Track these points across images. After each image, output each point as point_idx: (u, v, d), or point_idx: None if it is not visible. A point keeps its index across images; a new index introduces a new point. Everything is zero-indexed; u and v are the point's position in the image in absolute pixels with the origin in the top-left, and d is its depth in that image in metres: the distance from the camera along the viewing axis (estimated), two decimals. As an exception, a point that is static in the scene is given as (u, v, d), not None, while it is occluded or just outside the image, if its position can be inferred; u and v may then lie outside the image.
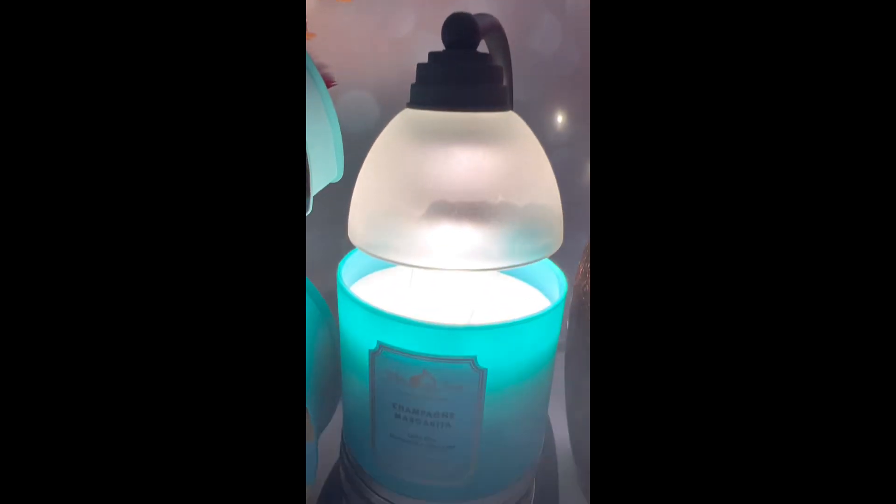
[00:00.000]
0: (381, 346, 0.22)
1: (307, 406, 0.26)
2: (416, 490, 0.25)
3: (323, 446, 0.31)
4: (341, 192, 0.27)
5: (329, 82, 0.35)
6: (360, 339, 0.23)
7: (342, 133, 0.29)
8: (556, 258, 0.26)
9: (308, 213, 0.25)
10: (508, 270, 0.30)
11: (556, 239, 0.23)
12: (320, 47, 0.37)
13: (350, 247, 0.25)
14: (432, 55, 0.22)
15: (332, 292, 0.26)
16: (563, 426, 0.43)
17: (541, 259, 0.23)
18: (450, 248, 0.21)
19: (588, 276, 0.29)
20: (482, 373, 0.22)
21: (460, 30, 0.22)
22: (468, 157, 0.22)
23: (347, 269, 0.27)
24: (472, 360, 0.21)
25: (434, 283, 0.27)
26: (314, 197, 0.26)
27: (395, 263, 0.22)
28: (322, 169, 0.27)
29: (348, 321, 0.24)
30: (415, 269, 0.23)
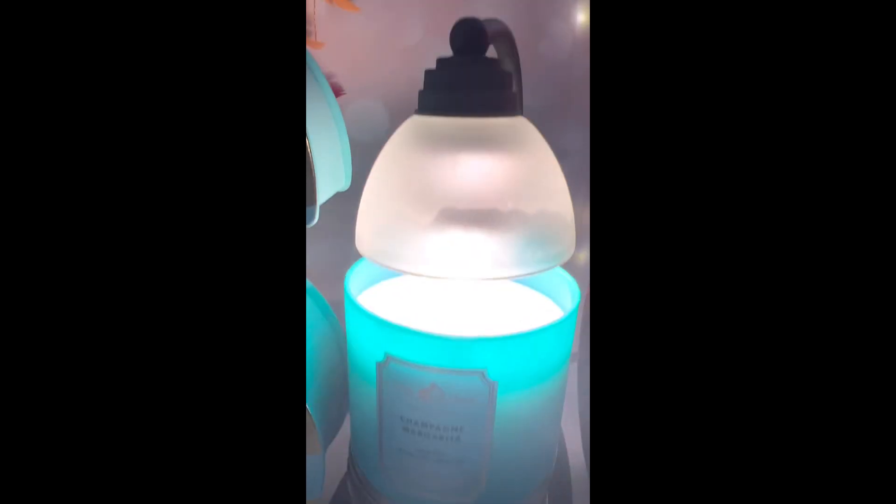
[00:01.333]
0: (388, 357, 0.22)
1: (314, 417, 0.26)
2: (425, 506, 0.24)
3: (331, 459, 0.31)
4: (349, 200, 0.27)
5: (338, 92, 0.35)
6: (367, 350, 0.23)
7: (350, 142, 0.29)
8: (568, 267, 0.25)
9: (314, 222, 0.25)
10: (519, 279, 0.30)
11: (568, 247, 0.23)
12: (329, 56, 0.37)
13: (357, 256, 0.24)
14: (440, 61, 0.22)
15: (340, 302, 0.25)
16: (576, 439, 0.42)
17: (552, 268, 0.22)
18: (459, 257, 0.21)
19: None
20: (492, 385, 0.21)
21: (468, 35, 0.21)
22: (477, 163, 0.21)
23: (355, 279, 0.26)
24: (483, 373, 0.21)
25: (443, 293, 0.27)
26: (321, 206, 0.26)
27: (402, 272, 0.22)
28: (329, 177, 0.26)
29: (355, 332, 0.24)
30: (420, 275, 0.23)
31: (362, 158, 0.27)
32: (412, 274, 0.21)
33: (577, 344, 0.35)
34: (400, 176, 0.23)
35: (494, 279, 0.21)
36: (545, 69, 0.40)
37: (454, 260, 0.21)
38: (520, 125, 0.23)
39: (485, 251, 0.21)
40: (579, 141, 0.42)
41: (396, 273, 0.29)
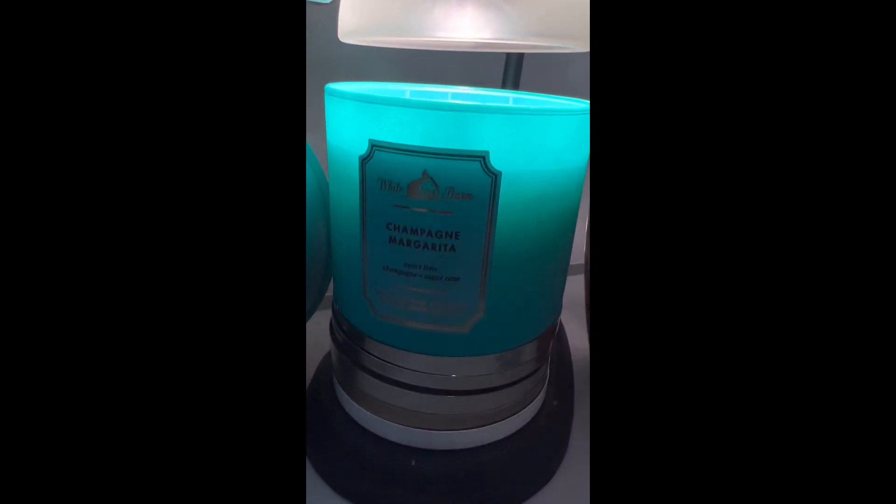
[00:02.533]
0: (373, 146, 0.18)
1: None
2: (415, 341, 0.21)
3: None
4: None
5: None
6: (349, 146, 0.19)
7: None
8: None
9: None
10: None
11: (583, 28, 0.19)
12: None
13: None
14: None
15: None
16: (581, 337, 0.39)
17: (563, 49, 0.19)
18: (457, 21, 0.17)
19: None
20: (495, 177, 0.18)
21: None
22: None
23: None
24: (484, 157, 0.18)
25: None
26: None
27: (394, 45, 0.18)
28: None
29: (336, 130, 0.20)
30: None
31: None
32: (406, 46, 0.18)
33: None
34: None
35: (490, 46, 0.18)
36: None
37: (452, 24, 0.17)
38: None
39: (486, 16, 0.18)
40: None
41: (376, 92, 0.26)
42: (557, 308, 0.25)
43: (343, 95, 0.19)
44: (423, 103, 0.17)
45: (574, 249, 0.24)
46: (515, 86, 0.34)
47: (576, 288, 0.36)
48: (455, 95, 0.27)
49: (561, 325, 0.37)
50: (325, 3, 0.26)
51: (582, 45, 0.20)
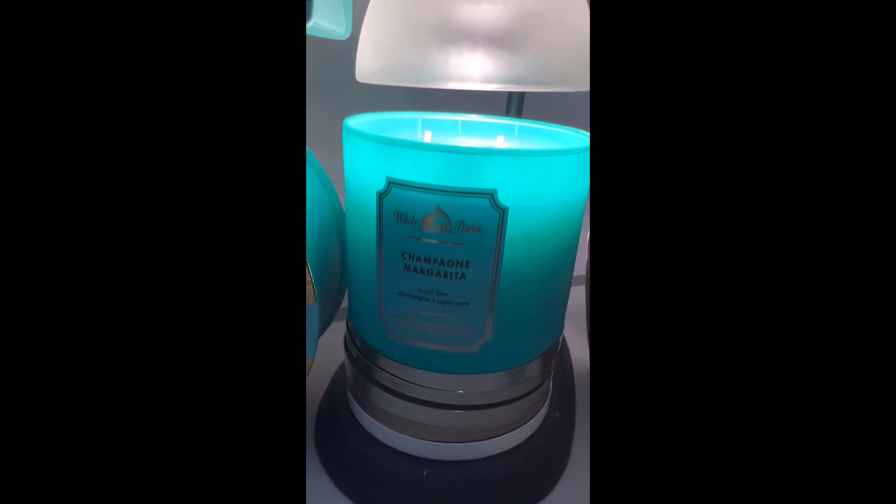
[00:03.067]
0: (389, 183, 0.20)
1: (311, 269, 0.24)
2: (427, 359, 0.23)
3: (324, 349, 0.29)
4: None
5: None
6: (367, 181, 0.21)
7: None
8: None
9: (311, 21, 0.23)
10: (532, 133, 0.28)
11: (582, 71, 0.21)
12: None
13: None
14: None
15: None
16: (582, 349, 0.41)
17: (569, 89, 0.20)
18: (468, 67, 0.19)
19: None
20: (502, 211, 0.19)
21: None
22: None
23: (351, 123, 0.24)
24: (492, 195, 0.19)
25: (450, 135, 0.25)
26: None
27: (410, 85, 0.20)
28: (328, 17, 0.24)
29: (354, 165, 0.22)
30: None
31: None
32: (419, 86, 0.19)
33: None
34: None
35: (502, 90, 0.19)
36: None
37: (462, 70, 0.19)
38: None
39: (495, 62, 0.19)
40: None
41: (394, 121, 0.28)
42: (560, 326, 0.27)
43: (361, 135, 0.21)
44: (437, 146, 0.19)
45: (576, 260, 0.26)
46: (519, 109, 0.35)
47: (577, 299, 0.37)
48: (464, 125, 0.28)
49: (563, 337, 0.39)
50: (342, 39, 0.28)
51: (582, 86, 0.21)
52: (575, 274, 0.29)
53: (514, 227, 0.20)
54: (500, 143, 0.27)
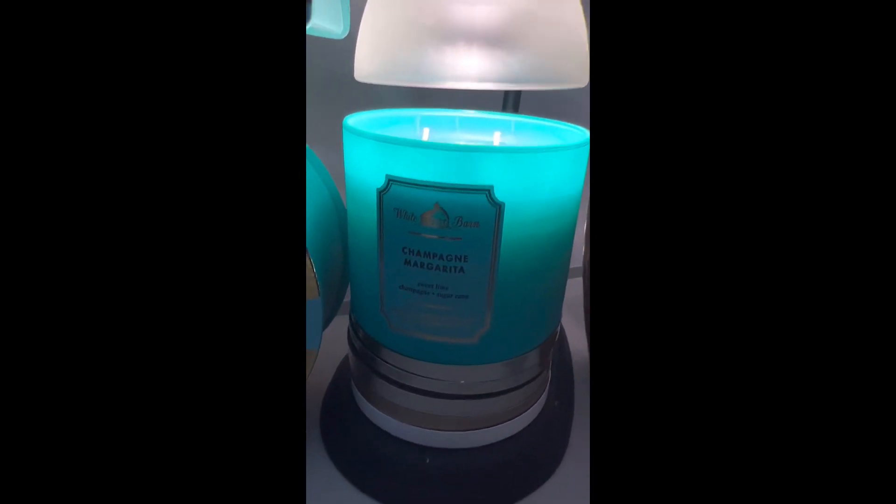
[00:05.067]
0: (389, 180, 0.20)
1: (313, 261, 0.25)
2: (428, 351, 0.24)
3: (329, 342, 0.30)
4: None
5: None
6: (367, 178, 0.22)
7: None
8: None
9: (310, 22, 0.23)
10: (528, 127, 0.29)
11: (577, 68, 0.21)
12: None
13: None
14: None
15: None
16: (579, 339, 0.42)
17: (563, 87, 0.21)
18: (464, 66, 0.20)
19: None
20: (499, 207, 0.20)
21: None
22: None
23: (351, 121, 0.25)
24: (489, 191, 0.20)
25: (448, 131, 0.25)
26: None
27: (406, 84, 0.20)
28: (327, 17, 0.25)
29: (355, 163, 0.23)
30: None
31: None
32: (416, 85, 0.20)
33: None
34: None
35: (495, 88, 0.20)
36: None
37: (460, 69, 0.20)
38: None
39: (491, 60, 0.20)
40: None
41: (393, 119, 0.28)
42: (557, 317, 0.27)
43: (361, 134, 0.21)
44: (435, 144, 0.19)
45: (573, 252, 0.26)
46: (516, 104, 0.36)
47: (574, 291, 0.38)
48: (462, 120, 0.29)
49: (561, 328, 0.40)
50: (341, 38, 0.28)
51: (576, 83, 0.22)
52: (572, 266, 0.30)
53: (511, 221, 0.20)
54: (497, 138, 0.28)
